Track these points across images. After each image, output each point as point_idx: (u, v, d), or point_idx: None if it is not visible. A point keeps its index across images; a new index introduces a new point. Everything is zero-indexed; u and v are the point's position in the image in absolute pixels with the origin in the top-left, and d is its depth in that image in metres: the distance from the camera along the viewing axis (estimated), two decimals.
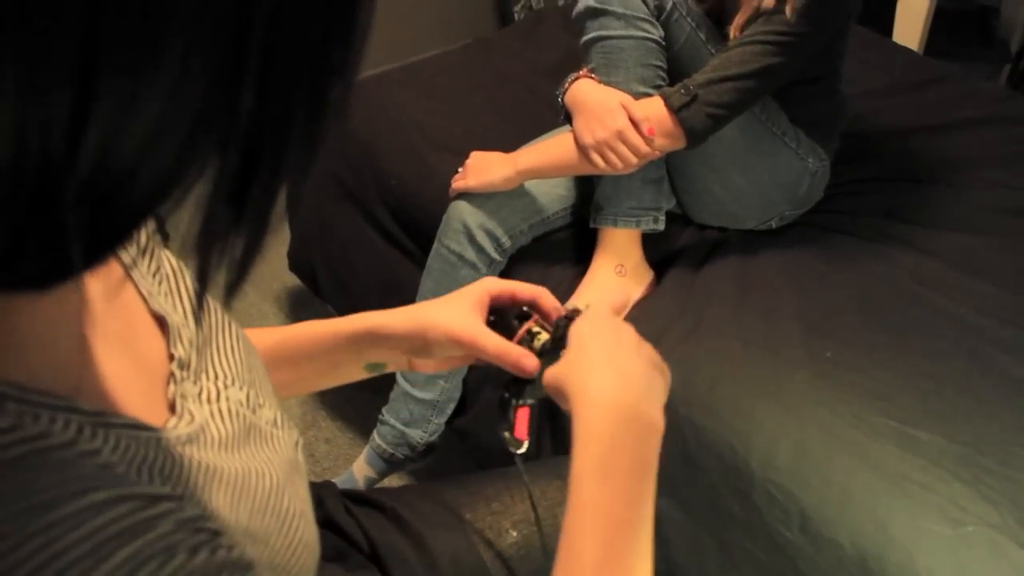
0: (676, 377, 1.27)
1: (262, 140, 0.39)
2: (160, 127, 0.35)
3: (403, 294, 1.57)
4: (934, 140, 1.80)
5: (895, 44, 2.20)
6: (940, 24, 2.82)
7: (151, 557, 0.40)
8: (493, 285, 0.87)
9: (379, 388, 1.59)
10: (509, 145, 1.54)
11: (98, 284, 0.55)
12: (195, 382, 0.60)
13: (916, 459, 1.15)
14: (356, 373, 0.91)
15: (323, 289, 1.83)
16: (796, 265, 1.49)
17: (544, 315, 0.86)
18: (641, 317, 1.42)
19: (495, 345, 0.83)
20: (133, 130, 0.34)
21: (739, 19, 1.43)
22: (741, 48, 1.38)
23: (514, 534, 1.06)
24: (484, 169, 1.49)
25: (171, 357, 0.59)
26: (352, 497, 1.07)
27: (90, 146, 0.33)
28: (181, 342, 0.60)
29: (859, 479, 1.15)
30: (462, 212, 1.50)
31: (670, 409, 1.23)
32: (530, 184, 1.53)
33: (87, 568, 0.38)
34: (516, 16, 3.05)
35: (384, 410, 1.61)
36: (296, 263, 1.90)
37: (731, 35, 1.43)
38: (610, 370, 0.75)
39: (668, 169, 1.57)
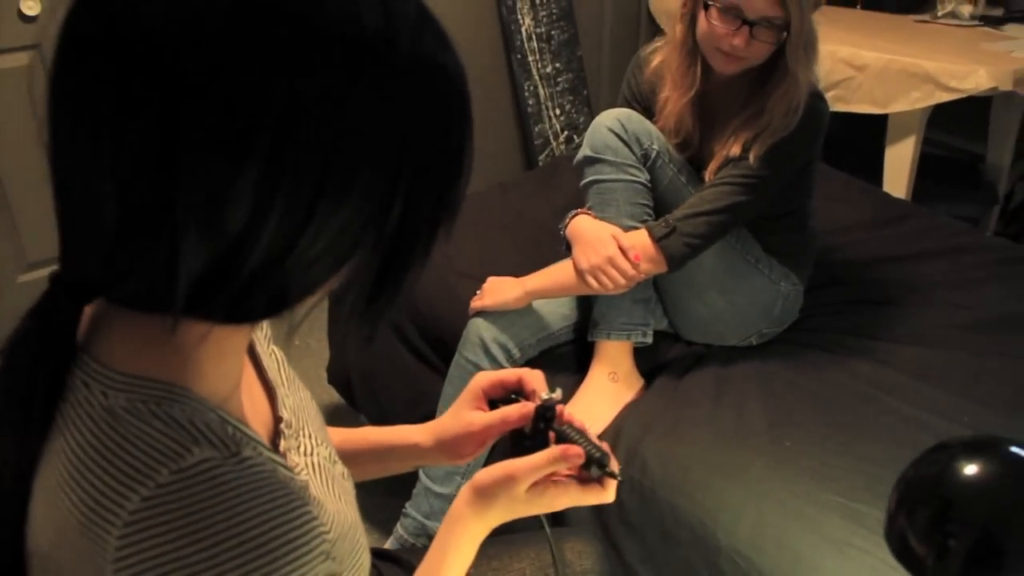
0: (656, 465, 1.51)
1: (396, 253, 0.65)
2: (331, 245, 0.61)
3: (427, 403, 1.82)
4: (897, 268, 2.05)
5: (867, 185, 2.46)
6: (928, 170, 3.09)
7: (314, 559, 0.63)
8: (483, 379, 1.05)
9: (396, 492, 1.84)
10: (522, 272, 1.80)
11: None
12: (296, 438, 0.84)
13: (857, 528, 1.34)
14: (401, 470, 1.14)
15: (357, 400, 2.08)
16: (767, 373, 1.72)
17: (527, 396, 1.02)
18: (630, 416, 1.65)
19: (482, 422, 1.02)
20: (317, 244, 0.60)
21: (713, 165, 1.70)
22: (713, 188, 1.66)
23: None
24: (498, 291, 1.76)
25: (279, 418, 0.82)
26: (377, 554, 1.28)
27: (290, 255, 0.59)
28: (285, 406, 0.84)
29: (808, 545, 1.35)
30: (479, 327, 1.76)
31: (651, 493, 1.46)
32: (538, 304, 1.79)
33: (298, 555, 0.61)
34: (541, 162, 3.39)
35: (407, 505, 1.83)
36: (334, 377, 2.16)
37: (706, 178, 1.71)
38: (498, 505, 0.92)
39: (659, 293, 1.82)
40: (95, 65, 0.56)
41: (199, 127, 0.55)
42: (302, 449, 0.84)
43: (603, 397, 1.69)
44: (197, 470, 0.61)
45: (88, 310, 0.68)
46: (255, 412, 0.79)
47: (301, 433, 0.85)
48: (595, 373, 1.74)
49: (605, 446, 0.96)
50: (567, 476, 0.95)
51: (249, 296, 0.61)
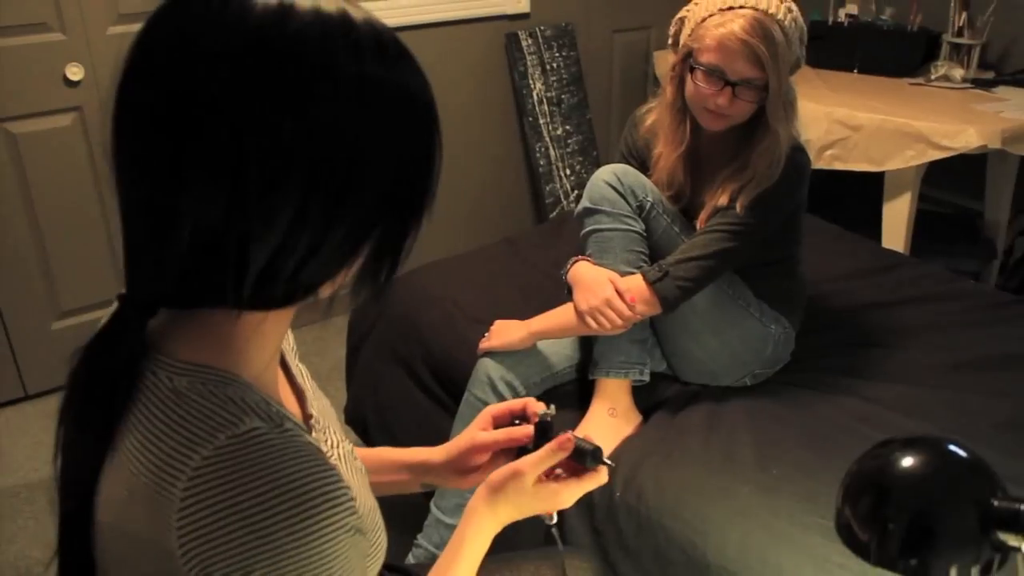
0: (651, 492, 1.61)
1: (391, 244, 0.80)
2: (347, 239, 0.75)
3: (438, 439, 1.90)
4: (886, 313, 2.16)
5: (859, 237, 2.58)
6: (927, 226, 3.20)
7: (346, 513, 0.76)
8: (493, 408, 1.19)
9: (409, 528, 1.96)
10: (527, 316, 1.92)
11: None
12: (324, 433, 0.97)
13: (836, 545, 1.43)
14: (414, 488, 1.24)
15: (373, 438, 2.20)
16: (757, 408, 1.83)
17: (528, 419, 1.16)
18: (628, 448, 1.75)
19: (490, 437, 1.15)
20: (333, 239, 0.74)
21: (703, 214, 1.84)
22: (703, 236, 1.78)
23: None
24: (504, 332, 1.89)
25: (308, 415, 0.96)
26: (391, 568, 1.38)
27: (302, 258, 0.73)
28: (313, 407, 0.97)
29: (790, 561, 1.44)
30: (487, 367, 1.88)
31: (647, 517, 1.56)
32: (542, 345, 1.91)
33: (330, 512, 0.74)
34: (547, 201, 3.54)
35: (419, 536, 1.93)
36: (351, 417, 2.28)
37: (697, 227, 1.84)
38: (509, 499, 1.04)
39: (658, 337, 1.94)
40: (153, 127, 0.71)
41: (256, 173, 0.70)
42: (329, 443, 0.96)
43: (603, 431, 1.80)
44: (249, 436, 0.75)
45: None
46: (290, 407, 0.93)
47: (327, 430, 0.98)
48: (595, 409, 1.85)
49: (599, 446, 1.07)
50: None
51: (290, 286, 0.75)
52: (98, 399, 0.77)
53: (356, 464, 1.01)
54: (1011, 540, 0.87)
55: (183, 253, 0.73)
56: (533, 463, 1.03)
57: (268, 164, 0.70)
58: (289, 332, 1.04)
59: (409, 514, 1.99)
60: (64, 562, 0.85)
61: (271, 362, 0.87)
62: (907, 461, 0.93)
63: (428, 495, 1.94)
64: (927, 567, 0.89)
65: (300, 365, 1.04)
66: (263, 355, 0.84)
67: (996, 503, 0.88)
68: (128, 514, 0.76)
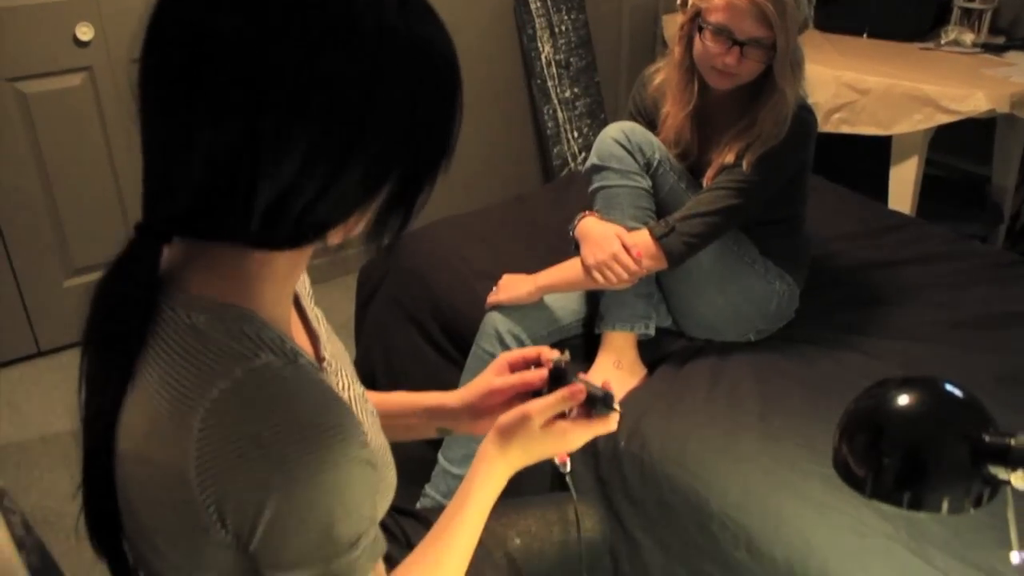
0: (655, 441, 1.64)
1: (407, 187, 0.82)
2: (359, 183, 0.77)
3: None
4: (890, 272, 2.18)
5: (864, 198, 2.59)
6: (934, 191, 3.21)
7: (358, 444, 0.79)
8: (508, 355, 1.21)
9: (416, 480, 1.99)
10: (534, 272, 1.94)
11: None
12: (336, 375, 0.99)
13: (836, 492, 1.47)
14: (429, 433, 1.27)
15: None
16: (761, 363, 1.85)
17: (542, 366, 1.17)
18: (632, 399, 1.79)
19: (504, 382, 1.18)
20: (343, 186, 0.76)
21: (710, 172, 1.85)
22: (710, 193, 1.80)
23: (517, 541, 1.39)
24: (512, 286, 1.92)
25: (321, 358, 0.98)
26: (400, 511, 1.41)
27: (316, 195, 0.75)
28: (326, 350, 1.00)
29: (790, 508, 1.48)
30: (495, 320, 1.91)
31: (650, 466, 1.59)
32: (549, 299, 1.94)
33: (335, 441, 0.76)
34: (555, 164, 3.55)
35: (427, 486, 1.97)
36: (360, 372, 2.29)
37: (704, 184, 1.86)
38: (517, 442, 1.06)
39: (664, 293, 1.96)
40: (177, 60, 0.73)
41: (269, 114, 0.72)
42: (340, 385, 0.99)
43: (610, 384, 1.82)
44: (264, 369, 0.78)
45: (168, 253, 0.84)
46: (303, 348, 0.95)
47: (340, 373, 1.00)
48: (601, 361, 1.88)
49: (609, 387, 1.09)
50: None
51: (300, 226, 0.77)
52: (117, 326, 0.80)
53: (368, 407, 1.04)
54: (1001, 473, 0.90)
55: (195, 183, 0.75)
56: (542, 408, 1.05)
57: (281, 106, 0.72)
58: (306, 276, 1.07)
59: (417, 467, 2.03)
60: (88, 495, 0.89)
61: (285, 303, 0.90)
62: (901, 399, 0.96)
63: (436, 446, 1.98)
64: (920, 500, 0.93)
65: (316, 310, 1.06)
66: (277, 295, 0.87)
67: (987, 438, 0.91)
68: (148, 444, 0.79)
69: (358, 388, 1.04)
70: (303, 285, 1.05)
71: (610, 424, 1.09)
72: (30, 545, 0.94)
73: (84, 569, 1.72)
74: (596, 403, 1.06)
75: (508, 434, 1.05)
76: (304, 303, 1.02)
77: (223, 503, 0.76)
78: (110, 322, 0.80)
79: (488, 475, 1.04)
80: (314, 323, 1.02)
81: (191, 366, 0.78)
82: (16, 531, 0.91)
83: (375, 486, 0.86)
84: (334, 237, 0.82)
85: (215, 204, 0.76)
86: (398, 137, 0.78)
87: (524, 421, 1.04)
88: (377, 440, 0.98)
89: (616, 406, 1.08)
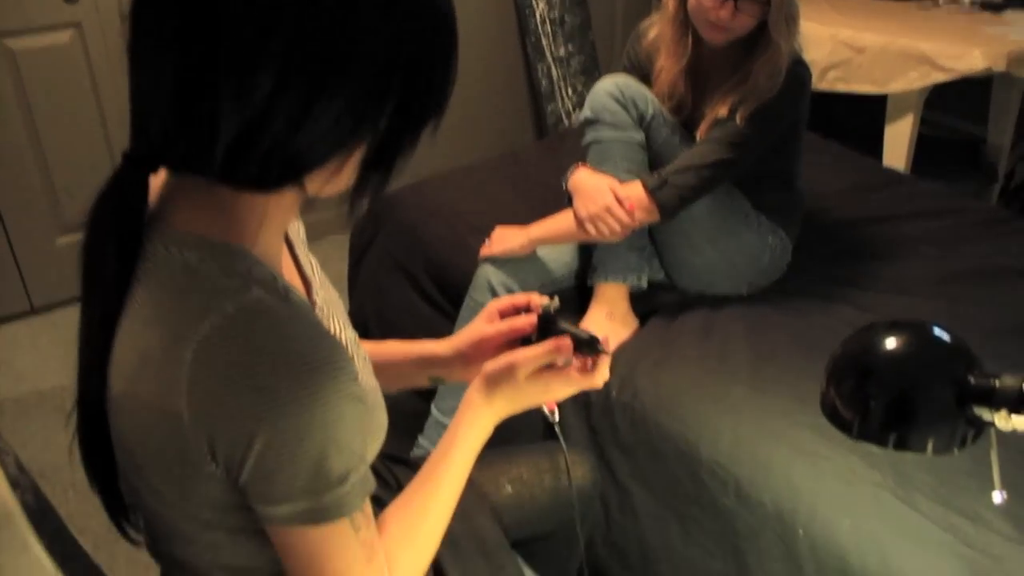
0: (646, 391, 1.65)
1: (389, 139, 0.81)
2: (333, 123, 0.76)
3: None
4: (882, 227, 2.18)
5: (859, 155, 2.59)
6: (929, 150, 3.20)
7: (349, 379, 0.79)
8: (498, 302, 1.21)
9: (412, 433, 2.00)
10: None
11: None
12: (328, 320, 0.99)
13: (825, 441, 1.49)
14: (421, 382, 1.27)
15: None
16: (753, 315, 1.87)
17: (532, 311, 1.17)
18: (624, 350, 1.80)
19: (494, 328, 1.18)
20: (323, 122, 0.75)
21: (704, 126, 1.85)
22: (703, 146, 1.80)
23: (509, 489, 1.40)
24: (505, 238, 1.92)
25: (313, 302, 0.98)
26: (392, 458, 1.42)
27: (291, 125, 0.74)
28: (318, 295, 1.00)
29: (779, 456, 1.49)
30: (487, 272, 1.91)
31: (641, 416, 1.60)
32: (542, 252, 1.95)
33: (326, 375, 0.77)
34: (549, 119, 3.54)
35: (420, 437, 1.99)
36: (353, 325, 2.31)
37: (698, 138, 1.85)
38: (502, 392, 1.05)
39: (656, 247, 1.97)
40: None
41: (235, 26, 0.71)
42: (333, 330, 0.99)
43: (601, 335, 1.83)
44: (256, 305, 0.78)
45: (160, 188, 0.84)
46: (296, 289, 0.96)
47: (332, 318, 1.00)
48: (593, 312, 1.89)
49: (598, 336, 1.08)
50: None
51: (269, 164, 0.77)
52: (107, 255, 0.80)
53: (360, 352, 1.05)
54: (986, 415, 0.91)
55: (164, 110, 0.75)
56: (528, 358, 1.03)
57: (243, 37, 0.71)
58: (300, 223, 1.07)
59: (411, 419, 2.04)
60: (82, 438, 0.89)
61: (276, 244, 0.90)
62: (889, 342, 0.97)
63: (429, 398, 1.99)
64: (906, 441, 0.94)
65: (310, 256, 1.06)
66: (268, 237, 0.87)
67: (972, 380, 0.92)
68: (139, 381, 0.80)
69: (351, 333, 1.04)
70: (296, 231, 1.05)
71: (595, 380, 1.07)
72: (24, 485, 0.95)
73: (82, 520, 1.74)
74: (581, 346, 1.06)
75: (493, 383, 1.04)
76: (297, 249, 1.03)
77: (214, 436, 0.77)
78: (100, 252, 0.80)
79: (473, 423, 1.04)
80: (307, 269, 1.02)
81: (182, 302, 0.78)
82: (10, 471, 0.92)
83: (366, 424, 0.86)
84: (313, 185, 0.82)
85: (181, 133, 0.76)
86: (377, 76, 0.76)
87: (510, 371, 1.03)
88: (369, 382, 0.98)
89: (602, 348, 1.07)
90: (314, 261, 1.06)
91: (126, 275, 0.81)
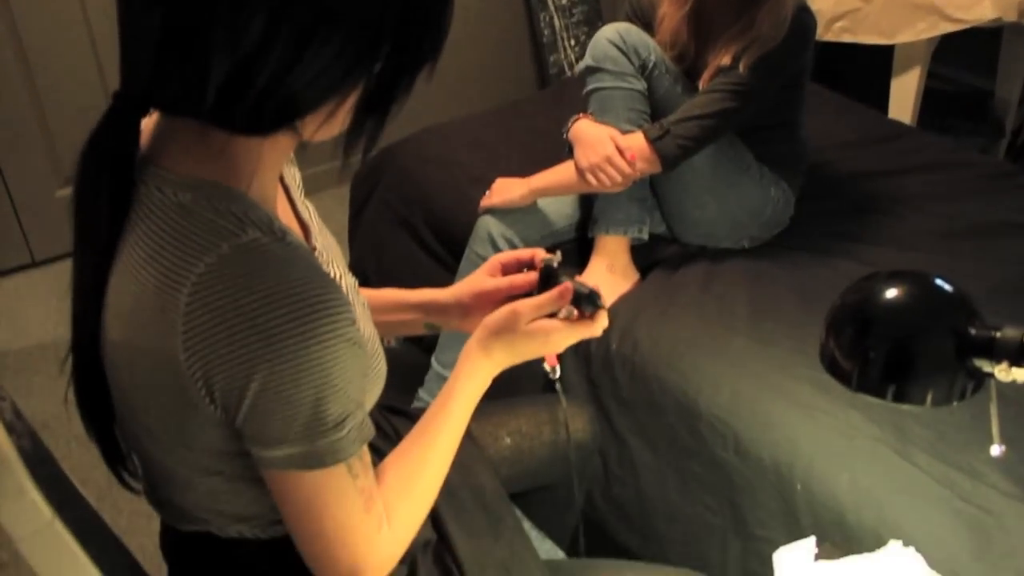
0: (646, 344, 1.65)
1: (383, 84, 0.79)
2: (328, 66, 0.75)
3: None
4: (886, 181, 2.16)
5: (863, 107, 2.56)
6: (936, 104, 3.16)
7: (346, 323, 0.78)
8: (501, 256, 1.19)
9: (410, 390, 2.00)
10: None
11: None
12: (327, 266, 0.98)
13: (824, 395, 1.48)
14: (417, 329, 1.26)
15: None
16: (754, 269, 1.85)
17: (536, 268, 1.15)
18: (625, 303, 1.79)
19: (494, 284, 1.16)
20: (316, 64, 0.74)
21: (706, 75, 1.82)
22: (705, 96, 1.78)
23: (508, 441, 1.40)
24: (505, 189, 1.91)
25: (312, 247, 0.97)
26: (392, 409, 1.41)
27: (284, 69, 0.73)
28: (317, 240, 0.99)
29: (779, 410, 1.49)
30: (488, 224, 1.90)
31: (641, 369, 1.59)
32: (542, 203, 1.93)
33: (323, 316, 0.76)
34: (552, 70, 3.50)
35: (420, 390, 1.99)
36: (353, 275, 2.32)
37: (700, 87, 1.83)
38: (502, 341, 1.04)
39: (658, 199, 1.95)
40: None
41: None
42: (332, 274, 0.98)
43: (601, 287, 1.81)
44: (251, 245, 0.77)
45: (152, 131, 0.83)
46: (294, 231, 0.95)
47: (331, 264, 1.00)
48: (594, 265, 1.88)
49: (597, 288, 1.07)
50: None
51: (261, 106, 0.75)
52: (98, 198, 0.79)
53: (359, 298, 1.04)
54: (985, 366, 0.90)
55: (156, 51, 0.74)
56: (530, 307, 1.02)
57: None
58: (296, 170, 1.06)
59: (411, 372, 2.04)
60: (78, 385, 0.89)
61: (272, 189, 0.89)
62: (889, 292, 0.96)
63: (430, 351, 1.99)
64: (905, 393, 0.93)
65: (307, 202, 1.05)
66: (263, 180, 0.86)
67: (973, 331, 0.91)
68: (135, 326, 0.79)
69: (350, 279, 1.03)
70: (292, 177, 1.04)
71: (595, 328, 1.06)
72: (20, 430, 0.95)
73: (85, 472, 1.75)
74: (581, 300, 1.05)
75: (494, 333, 1.03)
76: (293, 194, 1.01)
77: (211, 377, 0.77)
78: (91, 195, 0.79)
79: (471, 374, 1.03)
80: (304, 214, 1.01)
81: (177, 243, 0.77)
82: (6, 416, 0.92)
83: (363, 369, 0.85)
84: (307, 129, 0.81)
85: (172, 74, 0.74)
86: (371, 20, 0.75)
87: (510, 320, 1.02)
88: (368, 329, 0.98)
89: (602, 303, 1.06)
90: (311, 207, 1.05)
91: (118, 219, 0.80)
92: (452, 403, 1.02)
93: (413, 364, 2.05)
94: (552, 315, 1.04)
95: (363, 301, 1.05)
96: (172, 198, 0.79)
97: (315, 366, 0.76)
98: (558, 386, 1.18)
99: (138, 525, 1.95)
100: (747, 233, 1.94)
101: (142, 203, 0.80)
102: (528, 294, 1.10)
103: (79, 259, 0.83)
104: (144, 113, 0.79)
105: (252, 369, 0.75)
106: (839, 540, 1.29)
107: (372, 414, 0.99)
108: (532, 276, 1.12)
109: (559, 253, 1.12)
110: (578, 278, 1.08)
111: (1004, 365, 0.88)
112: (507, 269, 1.17)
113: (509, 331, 1.02)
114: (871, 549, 1.18)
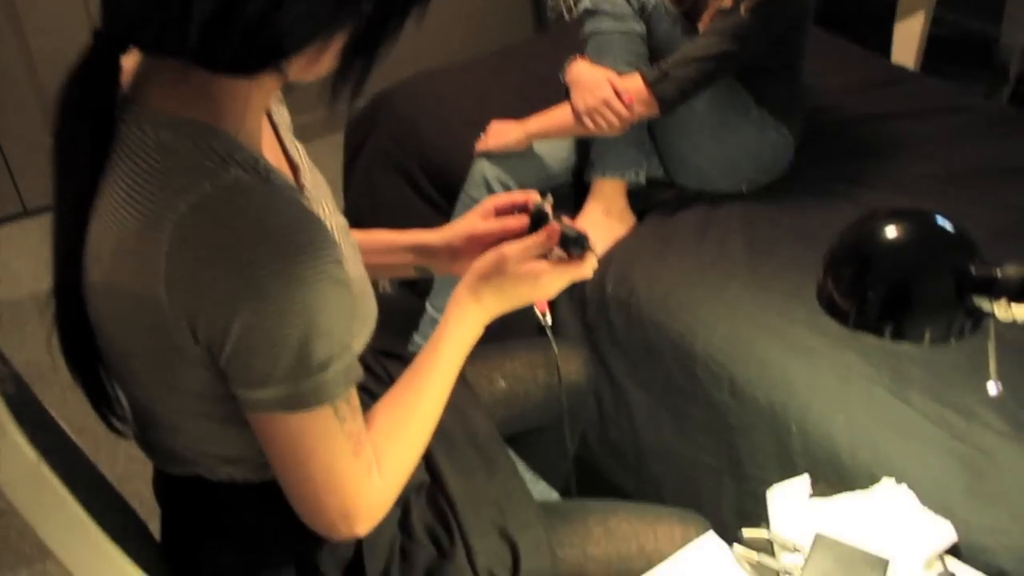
0: (642, 287, 1.64)
1: (372, 25, 0.77)
2: (314, 4, 0.72)
3: None
4: (886, 126, 2.13)
5: (865, 51, 2.52)
6: (940, 50, 3.12)
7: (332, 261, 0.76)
8: (496, 198, 1.17)
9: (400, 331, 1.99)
10: None
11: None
12: (316, 204, 0.96)
13: (822, 337, 1.47)
14: (407, 272, 1.24)
15: None
16: (752, 212, 1.84)
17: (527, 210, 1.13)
18: (621, 247, 1.78)
19: (485, 227, 1.14)
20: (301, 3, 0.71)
21: (706, 17, 1.79)
22: (705, 38, 1.74)
23: (502, 384, 1.40)
24: (501, 133, 1.88)
25: (301, 186, 0.95)
26: (385, 353, 1.40)
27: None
28: (306, 180, 0.97)
29: (775, 352, 1.48)
30: (483, 167, 1.88)
31: (637, 312, 1.58)
32: (538, 147, 1.91)
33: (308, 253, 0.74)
34: (550, 14, 3.45)
35: (414, 334, 1.98)
36: (347, 222, 2.30)
37: (700, 29, 1.79)
38: (492, 286, 1.02)
39: (655, 142, 1.92)
40: None
41: None
42: (321, 214, 0.97)
43: (597, 231, 1.81)
44: (234, 186, 0.76)
45: (134, 71, 0.81)
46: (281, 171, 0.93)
47: (320, 203, 0.98)
48: (590, 209, 1.86)
49: (585, 231, 1.05)
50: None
51: (246, 45, 0.73)
52: (78, 137, 0.77)
53: (349, 239, 1.02)
54: (985, 305, 0.89)
55: None
56: (517, 249, 1.01)
57: None
58: (284, 109, 1.03)
59: (406, 317, 2.04)
60: (63, 332, 0.87)
61: (257, 129, 0.87)
62: (889, 230, 0.94)
63: (423, 295, 1.98)
64: (903, 331, 0.92)
65: (296, 142, 1.03)
66: (249, 121, 0.84)
67: (973, 269, 0.90)
68: (117, 268, 0.77)
69: (340, 220, 1.02)
70: (280, 116, 1.01)
71: (585, 270, 1.04)
72: (5, 374, 0.94)
73: (81, 420, 1.74)
74: (568, 242, 1.03)
75: (482, 277, 1.02)
76: (282, 133, 0.99)
77: (194, 318, 0.75)
78: (71, 134, 0.78)
79: (461, 320, 1.02)
80: (293, 153, 0.99)
81: (158, 182, 0.75)
82: None
83: (350, 310, 0.84)
84: (293, 70, 0.78)
85: (154, 10, 0.72)
86: None
87: (499, 263, 1.01)
88: (356, 270, 0.96)
89: (589, 245, 1.04)
90: (300, 147, 1.03)
91: (99, 158, 0.78)
92: (442, 349, 1.00)
93: (408, 309, 2.04)
94: (543, 258, 1.02)
95: (353, 243, 1.03)
96: (153, 137, 0.77)
97: (299, 306, 0.75)
98: (549, 333, 1.16)
99: (135, 471, 1.95)
100: (745, 177, 1.92)
101: (123, 142, 0.78)
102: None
103: (59, 200, 0.81)
104: (124, 51, 0.77)
105: (235, 308, 0.74)
106: (833, 479, 1.28)
107: (365, 357, 0.99)
108: (525, 219, 1.10)
109: (550, 196, 1.10)
110: (566, 219, 1.06)
111: (1004, 302, 0.87)
112: (501, 212, 1.15)
113: (498, 274, 1.01)
114: (865, 487, 1.18)
